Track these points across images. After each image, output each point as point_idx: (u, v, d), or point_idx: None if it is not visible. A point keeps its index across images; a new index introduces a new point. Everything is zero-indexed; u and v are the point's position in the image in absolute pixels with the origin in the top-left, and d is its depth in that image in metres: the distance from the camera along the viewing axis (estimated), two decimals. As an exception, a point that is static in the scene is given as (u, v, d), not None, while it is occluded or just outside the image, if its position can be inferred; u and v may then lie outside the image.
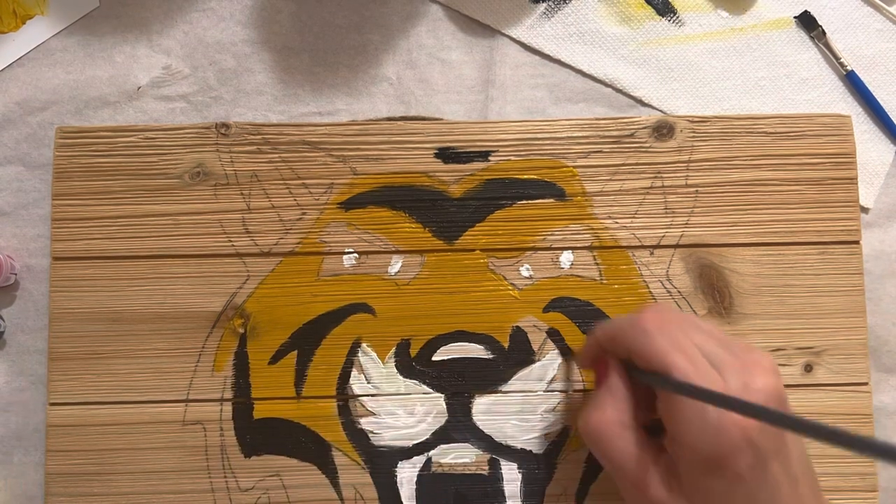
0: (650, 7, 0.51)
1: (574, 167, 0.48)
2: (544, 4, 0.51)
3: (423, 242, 0.47)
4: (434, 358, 0.46)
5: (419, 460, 0.45)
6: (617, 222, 0.48)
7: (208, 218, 0.47)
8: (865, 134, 0.50)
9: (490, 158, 0.48)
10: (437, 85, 0.50)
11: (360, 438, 0.46)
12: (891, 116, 0.50)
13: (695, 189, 0.48)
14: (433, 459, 0.45)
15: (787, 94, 0.51)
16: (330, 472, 0.46)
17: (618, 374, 0.39)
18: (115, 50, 0.50)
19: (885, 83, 0.51)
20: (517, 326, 0.46)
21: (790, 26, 0.51)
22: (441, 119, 0.50)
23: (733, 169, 0.48)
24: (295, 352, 0.46)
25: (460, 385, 0.46)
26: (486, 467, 0.45)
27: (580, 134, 0.48)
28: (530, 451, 0.46)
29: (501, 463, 0.46)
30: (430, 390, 0.46)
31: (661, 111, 0.50)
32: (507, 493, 0.45)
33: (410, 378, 0.46)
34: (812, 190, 0.48)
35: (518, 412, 0.46)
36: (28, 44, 0.50)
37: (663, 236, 0.47)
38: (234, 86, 0.50)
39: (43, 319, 0.48)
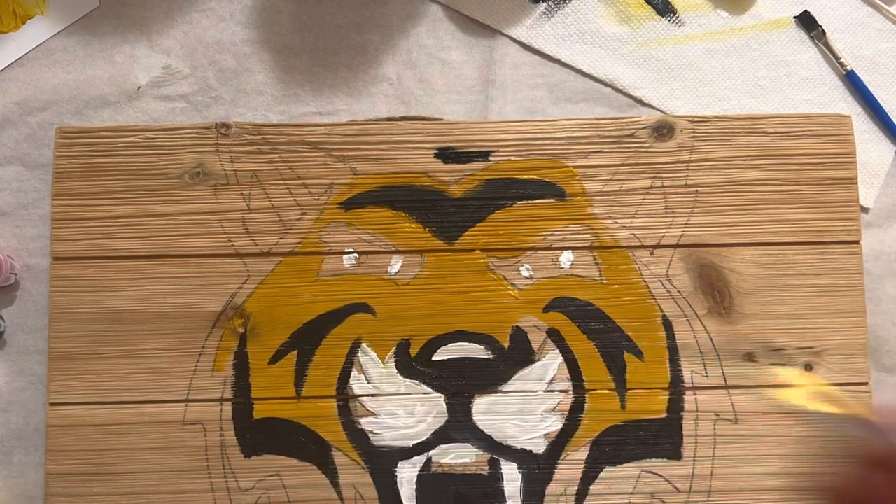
0: (650, 7, 0.51)
1: (574, 167, 0.48)
2: (544, 4, 0.51)
3: (423, 242, 0.47)
4: (434, 358, 0.46)
5: (419, 460, 0.45)
6: (617, 222, 0.48)
7: (208, 218, 0.47)
8: (865, 134, 0.50)
9: (490, 158, 0.48)
10: (437, 85, 0.50)
11: (360, 438, 0.46)
12: (891, 116, 0.50)
13: (695, 189, 0.48)
14: (433, 459, 0.45)
15: (787, 94, 0.51)
16: (330, 472, 0.46)
17: None
18: (115, 50, 0.50)
19: (885, 83, 0.51)
20: (517, 326, 0.46)
21: (790, 26, 0.51)
22: (441, 119, 0.50)
23: (733, 169, 0.48)
24: (295, 352, 0.46)
25: (460, 385, 0.46)
26: (486, 467, 0.45)
27: (580, 134, 0.48)
28: (530, 451, 0.46)
29: (501, 463, 0.46)
30: (430, 390, 0.46)
31: (661, 111, 0.50)
32: (507, 493, 0.45)
33: (410, 378, 0.46)
34: (812, 190, 0.48)
35: (518, 412, 0.46)
36: (28, 44, 0.50)
37: (663, 236, 0.47)
38: (234, 86, 0.50)
39: (43, 319, 0.48)
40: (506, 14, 0.51)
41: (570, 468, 0.46)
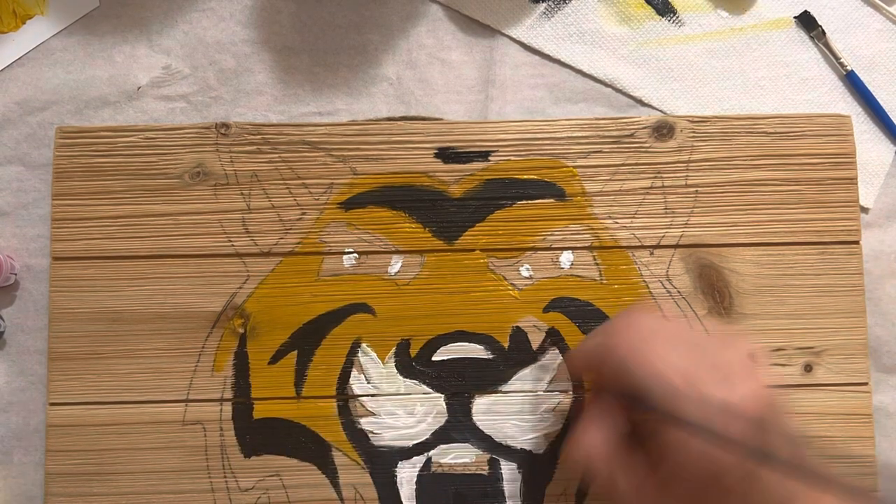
0: (650, 7, 0.51)
1: (574, 167, 0.48)
2: (544, 4, 0.51)
3: (423, 242, 0.47)
4: (434, 358, 0.46)
5: (419, 460, 0.45)
6: (617, 222, 0.48)
7: (208, 218, 0.47)
8: (865, 134, 0.50)
9: (490, 158, 0.48)
10: (437, 85, 0.50)
11: (360, 438, 0.46)
12: (891, 116, 0.50)
13: (695, 189, 0.48)
14: (433, 459, 0.45)
15: (787, 94, 0.51)
16: (330, 472, 0.46)
17: (599, 396, 0.39)
18: (115, 50, 0.50)
19: (885, 83, 0.51)
20: (517, 326, 0.46)
21: (790, 26, 0.51)
22: (441, 119, 0.50)
23: (733, 169, 0.48)
24: (295, 352, 0.46)
25: (460, 385, 0.46)
26: (486, 467, 0.45)
27: (580, 134, 0.48)
28: (530, 451, 0.46)
29: (501, 463, 0.46)
30: (430, 390, 0.46)
31: (661, 111, 0.50)
32: (507, 493, 0.45)
33: (410, 378, 0.46)
34: (812, 190, 0.48)
35: (518, 412, 0.46)
36: (28, 44, 0.50)
37: (663, 236, 0.47)
38: (234, 86, 0.50)
39: (43, 319, 0.48)
40: (506, 14, 0.51)
41: (570, 468, 0.46)
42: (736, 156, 0.48)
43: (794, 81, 0.51)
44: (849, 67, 0.50)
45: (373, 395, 0.46)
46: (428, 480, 0.45)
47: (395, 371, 0.46)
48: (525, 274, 0.47)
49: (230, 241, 0.47)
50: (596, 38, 0.51)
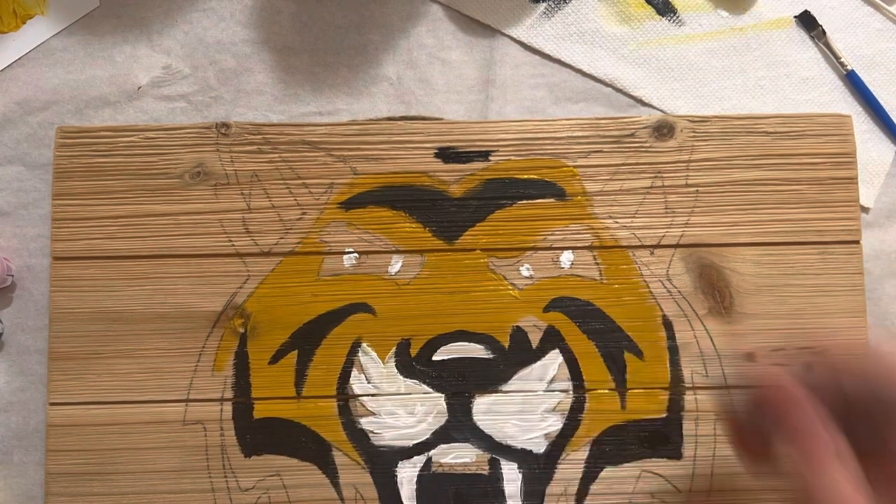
0: (650, 7, 0.51)
1: (574, 167, 0.48)
2: (544, 4, 0.51)
3: (424, 242, 0.47)
4: (434, 358, 0.46)
5: (419, 460, 0.45)
6: (617, 222, 0.48)
7: (208, 218, 0.47)
8: (865, 134, 0.50)
9: (490, 158, 0.48)
10: (437, 85, 0.50)
11: (360, 438, 0.46)
12: (891, 116, 0.50)
13: (695, 189, 0.48)
14: (433, 459, 0.45)
15: (787, 94, 0.51)
16: (330, 471, 0.46)
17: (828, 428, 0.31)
18: (116, 50, 0.51)
19: (885, 83, 0.51)
20: (517, 326, 0.46)
21: (790, 26, 0.51)
22: (441, 119, 0.50)
23: (733, 169, 0.48)
24: (295, 352, 0.46)
25: (460, 385, 0.46)
26: (487, 467, 0.45)
27: (580, 134, 0.48)
28: (530, 451, 0.46)
29: (501, 463, 0.46)
30: (431, 390, 0.46)
31: (661, 111, 0.50)
32: (507, 493, 0.45)
33: (410, 378, 0.46)
34: (812, 190, 0.48)
35: (518, 412, 0.46)
36: (28, 44, 0.50)
37: (663, 236, 0.47)
38: (235, 86, 0.50)
39: (43, 319, 0.48)
40: (506, 14, 0.51)
41: (570, 468, 0.46)
42: (736, 155, 0.48)
43: (795, 81, 0.51)
44: (849, 67, 0.50)
45: (373, 395, 0.46)
46: (428, 480, 0.45)
47: (396, 371, 0.46)
48: (525, 274, 0.47)
49: (230, 240, 0.47)
50: (596, 37, 0.51)
